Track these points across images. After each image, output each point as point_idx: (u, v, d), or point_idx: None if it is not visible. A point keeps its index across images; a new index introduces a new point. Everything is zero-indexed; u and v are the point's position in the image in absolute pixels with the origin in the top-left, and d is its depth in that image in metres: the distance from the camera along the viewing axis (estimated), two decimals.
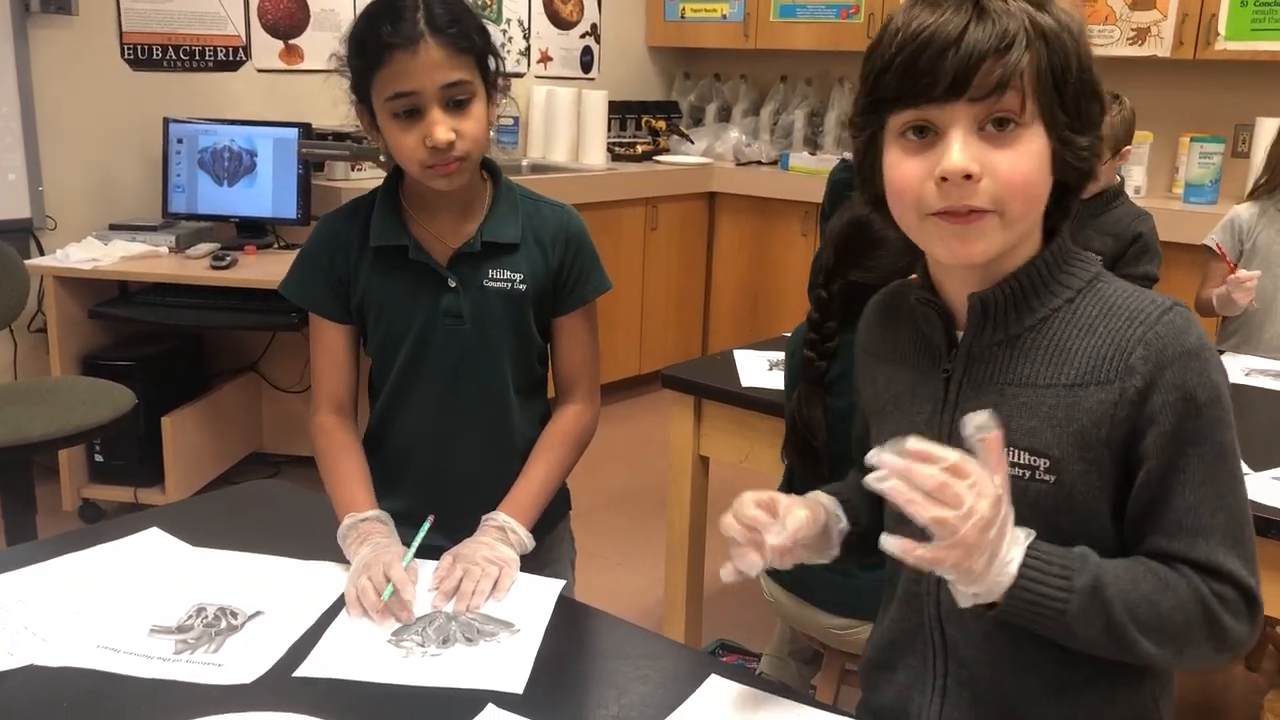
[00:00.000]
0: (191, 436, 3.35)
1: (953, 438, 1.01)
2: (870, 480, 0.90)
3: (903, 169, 0.96)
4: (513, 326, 1.52)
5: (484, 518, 1.44)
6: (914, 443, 0.89)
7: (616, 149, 4.97)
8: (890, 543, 0.91)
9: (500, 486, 1.49)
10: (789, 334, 1.99)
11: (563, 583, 1.37)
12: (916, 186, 0.95)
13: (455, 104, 1.37)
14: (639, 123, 5.15)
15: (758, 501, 1.05)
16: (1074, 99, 0.95)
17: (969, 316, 1.03)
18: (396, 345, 1.52)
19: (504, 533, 1.41)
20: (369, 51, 1.37)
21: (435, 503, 1.47)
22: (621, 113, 5.07)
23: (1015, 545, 0.93)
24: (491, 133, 1.49)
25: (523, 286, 1.51)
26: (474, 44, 1.38)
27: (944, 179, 0.93)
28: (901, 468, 0.88)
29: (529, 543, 1.42)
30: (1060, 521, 0.98)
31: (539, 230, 1.52)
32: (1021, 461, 0.99)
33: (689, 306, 5.04)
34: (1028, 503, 0.98)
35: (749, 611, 2.82)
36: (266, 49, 4.01)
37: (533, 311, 1.53)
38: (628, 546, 3.28)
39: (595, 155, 4.77)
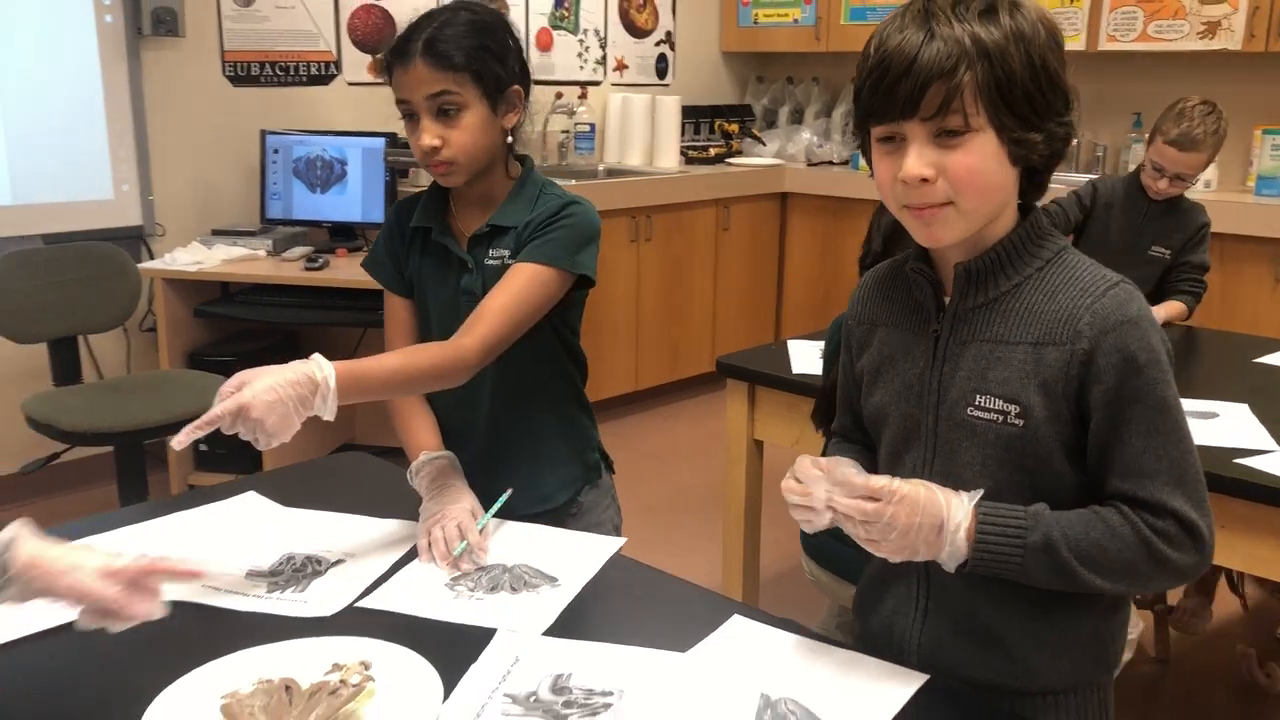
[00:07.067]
0: None
1: (942, 387, 1.20)
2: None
3: (880, 170, 1.14)
4: None
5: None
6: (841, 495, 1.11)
7: (690, 152, 5.11)
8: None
9: (519, 443, 1.65)
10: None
11: (623, 540, 1.52)
12: (889, 184, 1.12)
13: (443, 112, 1.54)
14: (712, 126, 5.28)
15: (814, 462, 1.17)
16: (1025, 100, 1.08)
17: (955, 283, 1.18)
18: (432, 318, 1.70)
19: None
20: (385, 68, 1.59)
21: (460, 455, 1.64)
22: (695, 117, 5.20)
23: (960, 511, 1.09)
24: (510, 138, 1.63)
25: (511, 261, 1.62)
26: (467, 61, 1.52)
27: (904, 182, 1.09)
28: (842, 507, 1.11)
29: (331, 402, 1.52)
30: (1026, 460, 1.14)
31: (539, 213, 1.63)
32: (997, 407, 1.14)
33: (761, 306, 5.14)
34: (1000, 443, 1.14)
35: (806, 592, 2.91)
36: (356, 63, 4.25)
37: None
38: (691, 538, 3.40)
39: (669, 159, 4.92)
